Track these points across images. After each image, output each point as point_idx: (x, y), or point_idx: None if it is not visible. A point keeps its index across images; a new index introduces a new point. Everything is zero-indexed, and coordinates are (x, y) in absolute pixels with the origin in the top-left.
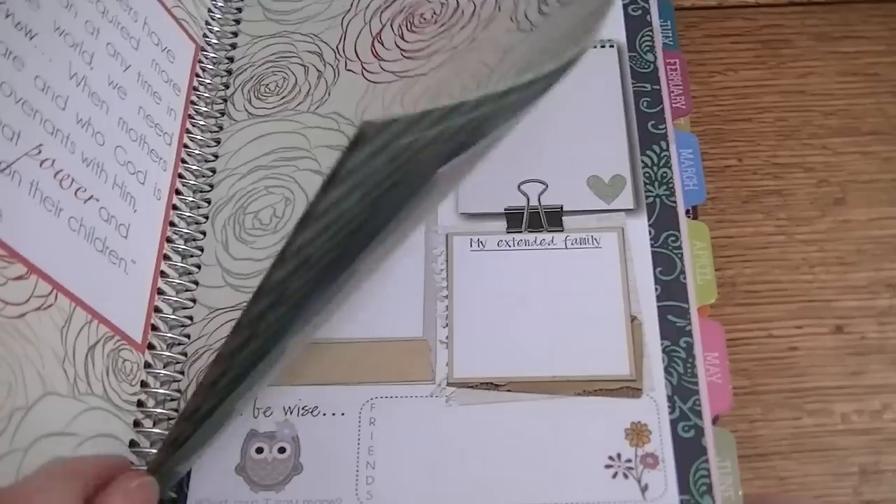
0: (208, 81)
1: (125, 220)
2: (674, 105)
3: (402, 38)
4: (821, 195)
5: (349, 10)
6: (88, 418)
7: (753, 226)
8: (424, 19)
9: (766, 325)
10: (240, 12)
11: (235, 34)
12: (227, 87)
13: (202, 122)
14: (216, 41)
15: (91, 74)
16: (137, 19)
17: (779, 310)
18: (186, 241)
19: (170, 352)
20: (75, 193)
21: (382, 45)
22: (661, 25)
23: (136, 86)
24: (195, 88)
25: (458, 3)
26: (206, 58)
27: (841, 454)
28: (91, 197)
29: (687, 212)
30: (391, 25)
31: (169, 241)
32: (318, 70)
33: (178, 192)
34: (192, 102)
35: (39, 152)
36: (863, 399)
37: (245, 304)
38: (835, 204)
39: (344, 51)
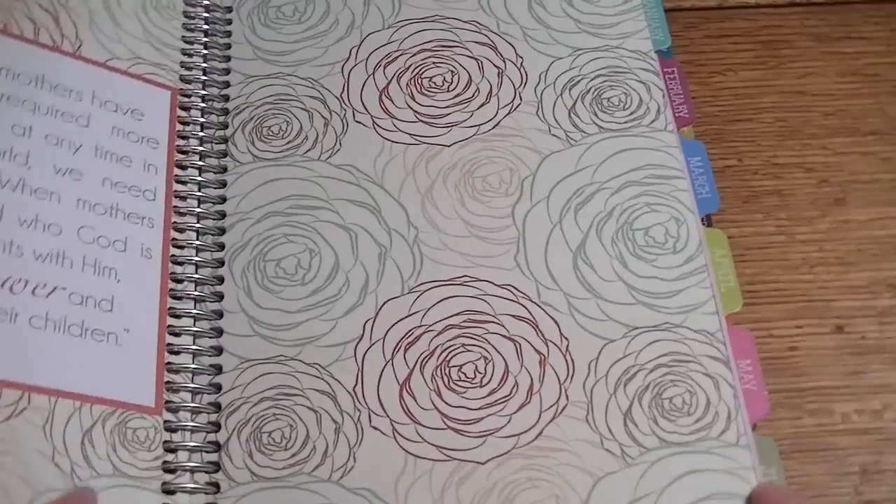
0: (201, 120)
1: (105, 295)
2: (677, 115)
3: (414, 99)
4: (821, 195)
5: (348, 59)
6: (100, 501)
7: (753, 226)
8: (435, 84)
9: (766, 325)
10: (229, 49)
11: (227, 71)
12: (225, 126)
13: (200, 163)
14: (205, 77)
15: (29, 174)
16: (82, 98)
17: (779, 310)
18: (198, 285)
19: (196, 402)
20: (32, 292)
21: (392, 101)
22: None
23: (95, 160)
24: (180, 132)
25: (470, 77)
26: (195, 95)
27: (841, 454)
28: (54, 289)
29: (702, 220)
30: (398, 82)
31: (172, 291)
32: (324, 117)
33: (174, 241)
34: (179, 147)
35: None
36: (863, 399)
37: (281, 356)
38: (835, 204)
39: (349, 101)
